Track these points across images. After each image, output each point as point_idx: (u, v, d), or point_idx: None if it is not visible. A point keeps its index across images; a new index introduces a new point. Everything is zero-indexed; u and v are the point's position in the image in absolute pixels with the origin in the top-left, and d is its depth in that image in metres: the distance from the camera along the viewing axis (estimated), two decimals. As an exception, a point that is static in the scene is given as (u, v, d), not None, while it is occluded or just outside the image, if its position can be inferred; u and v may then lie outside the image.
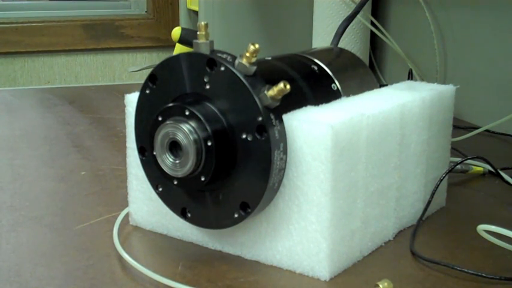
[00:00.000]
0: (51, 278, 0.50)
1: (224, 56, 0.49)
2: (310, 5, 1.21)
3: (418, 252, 0.54)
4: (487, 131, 0.90)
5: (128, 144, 0.58)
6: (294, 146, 0.49)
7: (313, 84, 0.57)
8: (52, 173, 0.76)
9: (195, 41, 0.50)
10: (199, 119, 0.48)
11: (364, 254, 0.54)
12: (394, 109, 0.54)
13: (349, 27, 0.73)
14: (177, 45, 1.27)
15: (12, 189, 0.70)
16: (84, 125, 0.98)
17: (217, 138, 0.48)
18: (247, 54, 0.47)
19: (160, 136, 0.49)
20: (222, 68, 0.48)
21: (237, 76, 0.47)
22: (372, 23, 1.17)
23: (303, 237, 0.50)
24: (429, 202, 0.61)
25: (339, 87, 0.58)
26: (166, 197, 0.54)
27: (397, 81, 0.65)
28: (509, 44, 0.95)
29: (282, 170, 0.49)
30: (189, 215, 0.52)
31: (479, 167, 0.74)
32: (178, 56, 0.50)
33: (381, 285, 0.43)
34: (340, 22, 0.72)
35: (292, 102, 0.51)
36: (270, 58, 0.59)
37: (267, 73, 0.51)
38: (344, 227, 0.51)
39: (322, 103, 0.54)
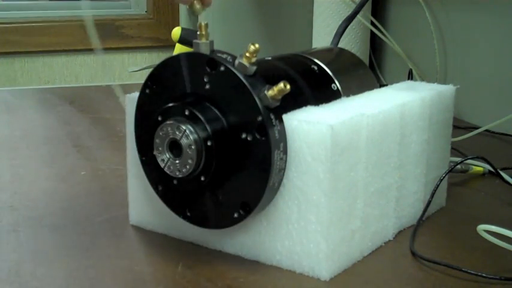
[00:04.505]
0: (51, 278, 0.50)
1: (224, 56, 0.49)
2: (310, 5, 1.21)
3: (418, 252, 0.54)
4: (487, 131, 0.90)
5: (128, 144, 0.58)
6: (293, 146, 0.49)
7: (313, 84, 0.57)
8: (52, 173, 0.76)
9: (195, 41, 0.50)
10: (199, 119, 0.48)
11: (364, 254, 0.54)
12: (394, 109, 0.54)
13: (349, 27, 0.73)
14: (177, 45, 1.27)
15: (12, 189, 0.70)
16: (84, 125, 0.98)
17: (217, 138, 0.48)
18: (247, 54, 0.47)
19: (160, 136, 0.49)
20: (222, 68, 0.48)
21: (237, 76, 0.47)
22: (372, 23, 1.17)
23: (302, 237, 0.50)
24: (429, 202, 0.61)
25: (339, 87, 0.58)
26: (166, 197, 0.53)
27: (397, 81, 0.65)
28: (509, 44, 0.95)
29: (282, 170, 0.49)
30: (189, 215, 0.52)
31: (479, 167, 0.74)
32: (178, 56, 0.50)
33: None
34: (340, 22, 0.72)
35: (292, 102, 0.51)
36: (270, 58, 0.59)
37: (267, 73, 0.51)
38: (344, 227, 0.51)
39: (322, 103, 0.54)
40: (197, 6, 0.50)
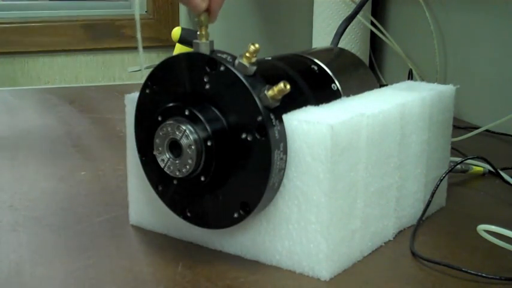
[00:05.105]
0: (51, 278, 0.50)
1: (224, 56, 0.49)
2: (310, 5, 1.21)
3: (418, 252, 0.54)
4: (487, 131, 0.90)
5: (128, 144, 0.58)
6: (293, 146, 0.49)
7: (313, 84, 0.57)
8: (52, 173, 0.76)
9: (195, 41, 0.50)
10: (199, 119, 0.48)
11: (364, 254, 0.54)
12: (394, 109, 0.54)
13: (349, 27, 0.73)
14: (177, 45, 1.27)
15: (12, 189, 0.70)
16: (84, 125, 0.98)
17: (217, 138, 0.48)
18: (247, 54, 0.47)
19: (160, 136, 0.49)
20: (222, 68, 0.48)
21: (237, 76, 0.47)
22: (372, 23, 1.17)
23: (302, 237, 0.50)
24: (429, 202, 0.61)
25: (339, 87, 0.58)
26: (166, 197, 0.54)
27: (397, 81, 0.65)
28: (509, 44, 0.95)
29: (282, 170, 0.49)
30: (189, 215, 0.52)
31: (479, 167, 0.74)
32: (178, 56, 0.50)
33: None
34: (340, 22, 0.72)
35: (292, 102, 0.51)
36: (270, 58, 0.59)
37: (267, 73, 0.51)
38: (344, 227, 0.51)
39: (322, 103, 0.54)
40: (203, 17, 0.50)
